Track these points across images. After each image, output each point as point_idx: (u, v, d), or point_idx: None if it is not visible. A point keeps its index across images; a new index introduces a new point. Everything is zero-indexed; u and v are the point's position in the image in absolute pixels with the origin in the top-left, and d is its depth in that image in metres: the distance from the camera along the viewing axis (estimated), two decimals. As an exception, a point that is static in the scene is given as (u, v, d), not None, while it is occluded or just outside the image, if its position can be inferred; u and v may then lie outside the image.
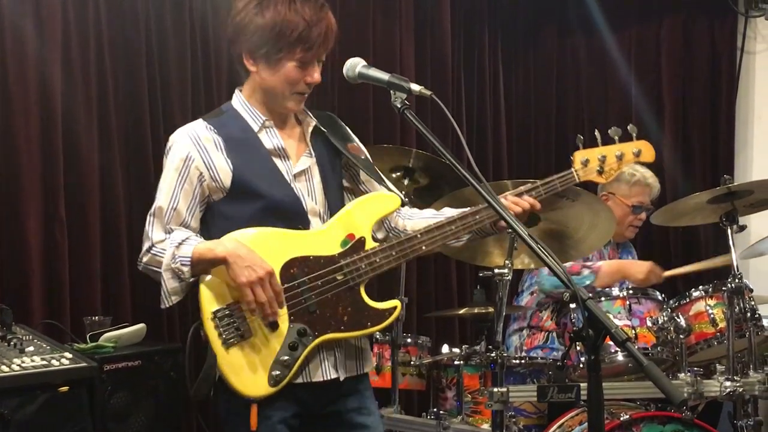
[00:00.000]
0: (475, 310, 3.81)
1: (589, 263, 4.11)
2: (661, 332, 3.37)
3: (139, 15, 3.94)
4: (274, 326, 2.39)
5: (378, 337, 3.87)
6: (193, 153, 2.45)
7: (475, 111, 5.58)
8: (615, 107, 5.81)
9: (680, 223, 3.93)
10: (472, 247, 3.49)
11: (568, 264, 3.98)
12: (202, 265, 2.39)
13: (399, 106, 2.35)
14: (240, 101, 2.55)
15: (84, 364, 2.85)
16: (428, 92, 2.32)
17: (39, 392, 2.68)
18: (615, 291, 3.51)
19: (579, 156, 2.76)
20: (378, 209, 2.57)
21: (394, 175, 3.71)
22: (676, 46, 5.71)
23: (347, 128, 2.70)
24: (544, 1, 5.91)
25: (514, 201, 2.63)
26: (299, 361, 2.41)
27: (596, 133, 2.77)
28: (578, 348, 3.44)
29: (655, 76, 5.72)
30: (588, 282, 4.06)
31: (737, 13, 5.57)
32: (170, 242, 2.41)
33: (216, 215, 2.49)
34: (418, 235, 2.52)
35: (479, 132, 5.60)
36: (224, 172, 2.45)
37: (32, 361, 2.74)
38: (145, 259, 2.47)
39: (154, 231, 2.45)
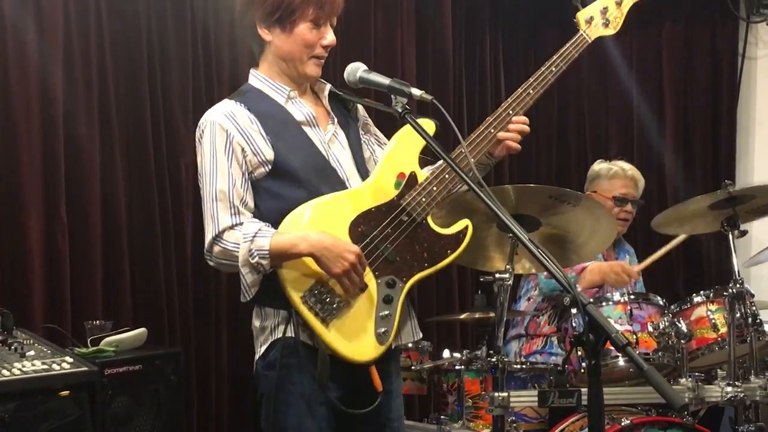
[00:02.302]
0: (476, 315, 3.80)
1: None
2: (662, 337, 3.35)
3: (140, 14, 3.94)
4: (363, 288, 2.40)
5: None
6: (232, 130, 2.43)
7: (476, 113, 5.57)
8: (616, 111, 5.83)
9: (682, 231, 3.92)
10: (472, 251, 3.49)
11: None
12: (283, 259, 2.37)
13: (400, 110, 2.35)
14: (259, 78, 2.55)
15: (85, 369, 2.85)
16: (429, 97, 2.32)
17: (40, 396, 2.68)
18: (616, 296, 3.50)
19: (582, 16, 2.75)
20: (417, 138, 2.52)
21: (395, 179, 3.69)
22: (677, 50, 5.71)
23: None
24: (545, 2, 5.91)
25: (511, 131, 2.59)
26: (398, 311, 2.44)
27: None
28: (579, 353, 3.43)
29: (656, 80, 5.72)
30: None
31: (738, 19, 5.57)
32: (243, 236, 2.37)
33: (262, 194, 2.46)
34: (463, 150, 2.48)
35: (480, 136, 5.60)
36: (266, 149, 2.44)
37: (33, 365, 2.73)
38: (216, 251, 2.41)
39: (220, 216, 2.40)
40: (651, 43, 5.77)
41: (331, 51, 2.55)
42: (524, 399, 3.25)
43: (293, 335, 2.41)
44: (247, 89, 2.55)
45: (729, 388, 3.21)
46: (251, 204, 2.45)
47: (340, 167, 2.52)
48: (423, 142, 2.52)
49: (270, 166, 2.44)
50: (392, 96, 2.36)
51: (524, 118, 2.60)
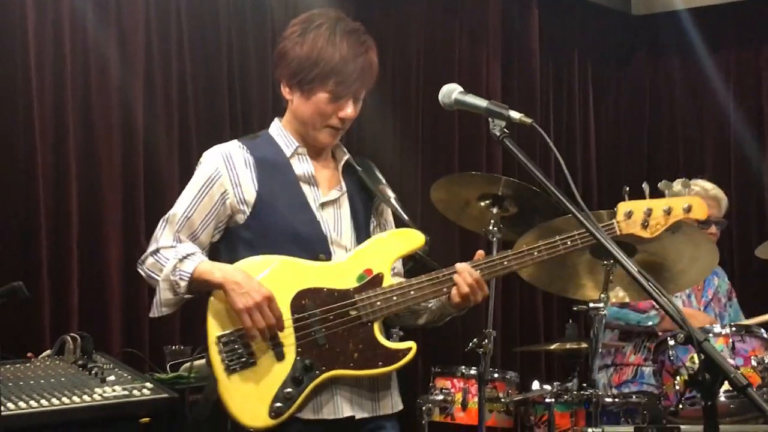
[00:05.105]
0: (567, 346, 3.70)
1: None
2: (767, 372, 3.24)
3: (221, 44, 4.00)
4: (280, 356, 2.35)
5: (464, 371, 3.79)
6: (222, 170, 2.46)
7: (563, 138, 5.51)
8: (711, 132, 5.75)
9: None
10: (563, 278, 3.39)
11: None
12: (199, 285, 2.39)
13: (498, 134, 2.23)
14: (276, 127, 2.56)
15: (166, 395, 2.78)
16: (529, 120, 2.20)
17: (120, 423, 2.63)
18: (717, 328, 3.39)
19: (623, 207, 2.54)
20: (401, 246, 2.48)
21: (482, 203, 3.59)
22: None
23: (380, 175, 2.65)
24: (636, 24, 5.81)
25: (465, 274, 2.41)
26: (302, 396, 2.34)
27: (644, 185, 2.57)
28: (676, 387, 3.29)
29: (755, 100, 5.61)
30: (650, 323, 3.99)
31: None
32: (175, 253, 2.41)
33: (238, 242, 2.47)
34: (440, 276, 2.41)
35: (568, 158, 5.50)
36: (249, 192, 2.44)
37: (114, 390, 2.68)
38: (148, 262, 2.46)
39: (163, 235, 2.46)
40: (749, 60, 5.68)
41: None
42: (620, 436, 3.15)
43: None
44: (261, 134, 2.59)
45: (841, 427, 3.05)
46: (203, 240, 2.47)
47: (328, 229, 2.47)
48: (406, 249, 2.47)
49: (249, 210, 2.44)
50: (490, 119, 2.24)
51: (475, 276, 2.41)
